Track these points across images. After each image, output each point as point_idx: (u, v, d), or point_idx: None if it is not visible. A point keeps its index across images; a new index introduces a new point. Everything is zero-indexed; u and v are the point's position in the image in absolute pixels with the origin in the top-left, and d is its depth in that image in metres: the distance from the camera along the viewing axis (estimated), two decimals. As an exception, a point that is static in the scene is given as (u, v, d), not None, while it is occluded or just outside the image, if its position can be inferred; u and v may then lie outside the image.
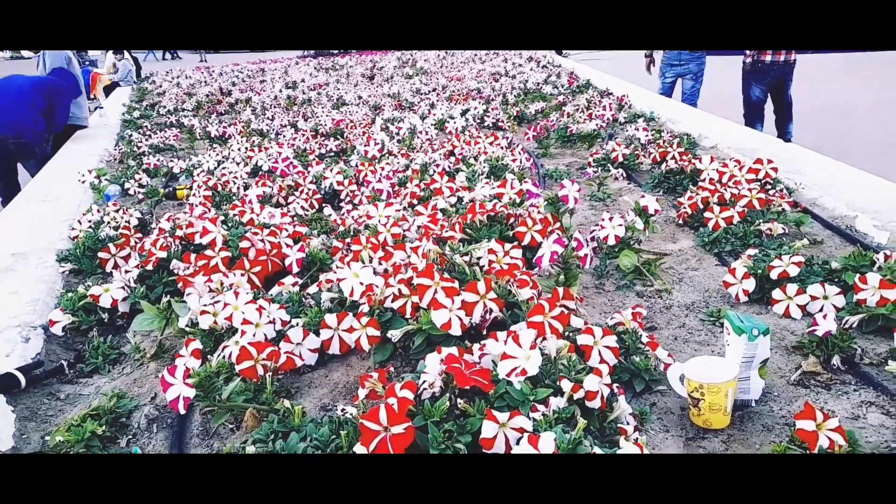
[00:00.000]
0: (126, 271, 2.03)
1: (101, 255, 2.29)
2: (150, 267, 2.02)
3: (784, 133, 5.38)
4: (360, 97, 6.05)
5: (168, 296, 1.86)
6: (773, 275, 1.79)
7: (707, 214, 2.33)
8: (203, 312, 1.62)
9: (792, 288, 1.73)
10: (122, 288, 1.94)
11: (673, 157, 2.98)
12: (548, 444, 1.02)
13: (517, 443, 1.09)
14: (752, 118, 5.39)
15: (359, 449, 1.15)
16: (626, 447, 1.09)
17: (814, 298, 1.71)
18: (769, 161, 2.62)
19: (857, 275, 1.68)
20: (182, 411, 1.25)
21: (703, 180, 2.60)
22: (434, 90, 6.16)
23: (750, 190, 2.39)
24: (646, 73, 6.28)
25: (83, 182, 3.38)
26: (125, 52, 9.71)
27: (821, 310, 1.69)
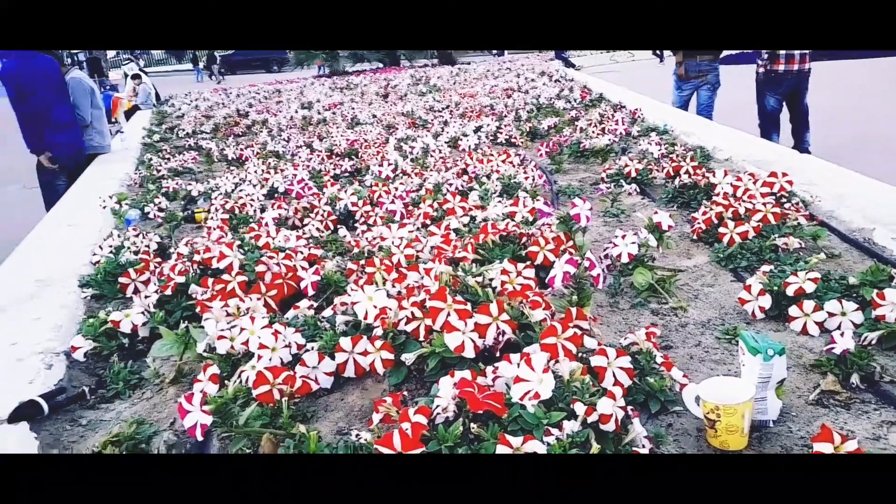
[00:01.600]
0: (146, 296, 2.07)
1: (122, 280, 2.33)
2: (168, 292, 2.06)
3: (801, 142, 5.33)
4: (374, 116, 6.11)
5: (186, 321, 1.89)
6: (790, 291, 1.78)
7: (721, 230, 2.32)
8: (220, 337, 1.65)
9: (809, 305, 1.72)
10: (142, 313, 1.98)
11: (686, 172, 2.97)
12: (561, 469, 1.02)
13: (531, 468, 1.09)
14: (768, 128, 5.36)
15: (373, 475, 1.15)
16: (641, 471, 1.09)
17: (831, 315, 1.69)
18: (784, 174, 2.60)
19: (875, 290, 1.66)
20: (200, 438, 1.27)
21: (718, 195, 2.59)
22: (447, 107, 6.20)
23: (765, 204, 2.38)
24: (658, 71, 6.32)
25: (104, 207, 3.45)
26: (143, 75, 9.92)
27: (838, 327, 1.67)
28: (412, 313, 1.61)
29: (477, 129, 4.77)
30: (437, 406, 1.26)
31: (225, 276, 2.01)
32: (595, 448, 1.10)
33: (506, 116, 5.35)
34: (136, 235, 2.75)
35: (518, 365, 1.31)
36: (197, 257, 2.15)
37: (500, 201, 2.61)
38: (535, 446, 1.17)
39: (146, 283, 2.28)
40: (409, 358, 1.53)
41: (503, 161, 3.41)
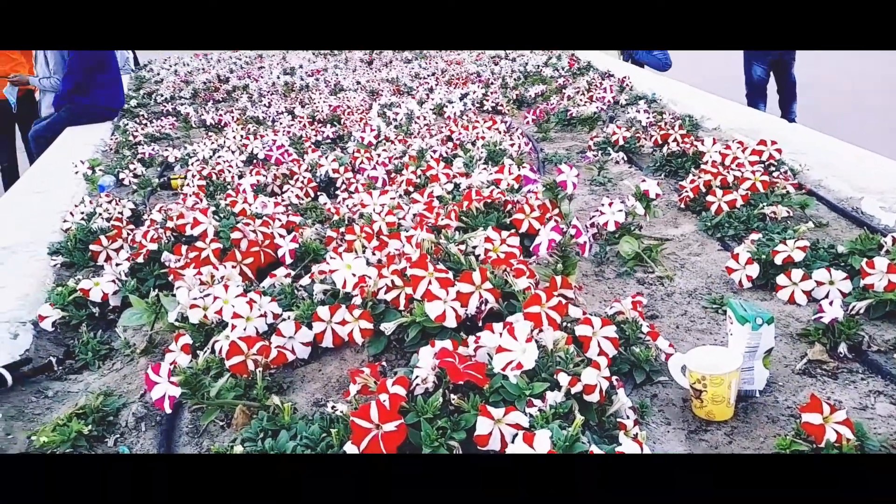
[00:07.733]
0: (117, 264, 2.00)
1: (93, 247, 2.25)
2: (140, 259, 1.99)
3: (788, 113, 5.29)
4: (358, 82, 5.97)
5: (159, 289, 1.83)
6: (778, 260, 1.75)
7: (709, 198, 2.28)
8: (193, 306, 1.59)
9: (797, 273, 1.68)
10: (113, 281, 1.91)
11: (675, 140, 2.92)
12: (543, 442, 0.98)
13: (513, 440, 1.05)
14: (755, 98, 5.31)
15: (349, 447, 1.11)
16: (626, 443, 1.05)
17: (819, 284, 1.66)
18: (773, 142, 2.56)
19: (865, 259, 1.63)
20: (168, 410, 1.22)
21: (706, 163, 2.55)
22: (433, 74, 6.07)
23: (753, 172, 2.34)
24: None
25: (76, 173, 3.34)
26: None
27: (827, 296, 1.64)
28: (392, 282, 1.55)
29: (463, 97, 4.67)
30: (417, 377, 1.22)
31: (199, 244, 1.94)
32: (578, 420, 1.06)
33: (492, 84, 5.24)
34: (109, 202, 2.66)
35: (501, 334, 1.27)
36: (170, 224, 2.07)
37: (484, 168, 2.55)
38: (517, 417, 1.13)
39: (118, 250, 2.20)
40: (388, 327, 1.48)
41: (489, 128, 3.33)
